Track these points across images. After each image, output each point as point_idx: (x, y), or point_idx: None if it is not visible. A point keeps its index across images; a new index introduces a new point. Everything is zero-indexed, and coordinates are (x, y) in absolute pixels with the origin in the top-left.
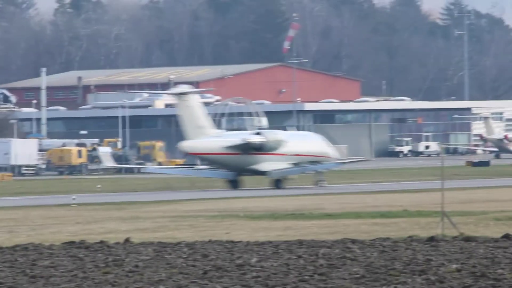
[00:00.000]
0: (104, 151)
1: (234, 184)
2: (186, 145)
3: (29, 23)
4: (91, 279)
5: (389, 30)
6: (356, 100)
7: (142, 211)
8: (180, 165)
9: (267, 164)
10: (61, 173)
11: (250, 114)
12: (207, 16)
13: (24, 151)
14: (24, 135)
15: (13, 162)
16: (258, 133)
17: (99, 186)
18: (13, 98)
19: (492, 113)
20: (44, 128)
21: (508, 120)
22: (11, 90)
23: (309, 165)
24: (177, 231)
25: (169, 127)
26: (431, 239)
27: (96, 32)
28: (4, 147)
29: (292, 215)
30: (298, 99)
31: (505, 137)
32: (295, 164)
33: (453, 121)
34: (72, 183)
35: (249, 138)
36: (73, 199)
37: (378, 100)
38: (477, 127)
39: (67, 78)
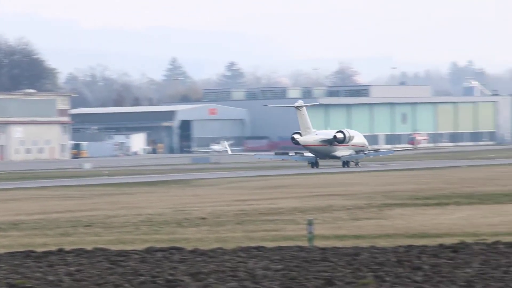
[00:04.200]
0: None
1: (314, 165)
2: (299, 139)
3: None
4: None
5: None
6: None
7: None
8: (277, 152)
9: (340, 152)
10: None
11: None
12: None
13: None
14: None
15: None
16: (340, 131)
17: None
18: None
19: None
20: None
21: None
22: None
23: (370, 152)
24: None
25: None
26: None
27: None
28: None
29: None
30: None
31: None
32: (357, 152)
33: None
34: None
35: (336, 134)
36: None
37: None
38: None
39: None
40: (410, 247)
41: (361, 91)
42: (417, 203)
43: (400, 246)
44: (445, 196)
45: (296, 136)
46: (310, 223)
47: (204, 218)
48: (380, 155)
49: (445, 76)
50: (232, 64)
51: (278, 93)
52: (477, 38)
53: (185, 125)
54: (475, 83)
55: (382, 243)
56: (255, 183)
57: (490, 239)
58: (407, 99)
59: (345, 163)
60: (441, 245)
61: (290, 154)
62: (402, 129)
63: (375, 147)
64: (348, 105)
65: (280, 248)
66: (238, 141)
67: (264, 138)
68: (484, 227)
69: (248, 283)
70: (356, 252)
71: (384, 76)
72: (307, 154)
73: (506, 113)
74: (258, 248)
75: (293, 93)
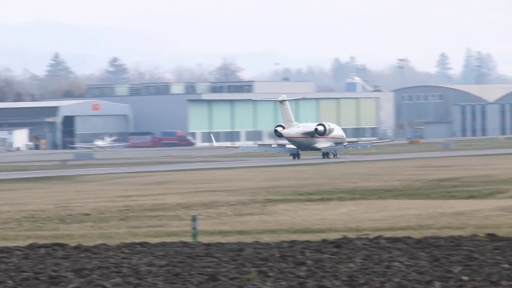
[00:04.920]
0: None
1: (295, 156)
2: (283, 131)
3: None
4: None
5: None
6: None
7: None
8: (260, 144)
9: (321, 143)
10: None
11: None
12: None
13: None
14: None
15: None
16: (321, 124)
17: None
18: None
19: None
20: None
21: None
22: None
23: (349, 144)
24: None
25: None
26: None
27: None
28: None
29: None
30: None
31: None
32: (336, 144)
33: None
34: None
35: (317, 127)
36: None
37: None
38: None
39: None
40: (293, 243)
41: (245, 87)
42: (300, 198)
43: (283, 241)
44: (328, 191)
45: (279, 129)
46: (194, 218)
47: (87, 214)
48: (359, 147)
49: (327, 72)
50: (115, 59)
51: (162, 88)
52: (359, 34)
53: (68, 121)
54: (357, 79)
55: (266, 238)
56: (139, 179)
57: (372, 234)
58: (290, 95)
59: (325, 154)
60: (324, 240)
61: (272, 146)
62: None
63: (352, 139)
64: (231, 101)
65: (164, 244)
66: (121, 137)
67: (148, 134)
68: (367, 222)
69: (132, 279)
70: (240, 247)
71: (267, 72)
72: (289, 146)
73: (388, 109)
74: (142, 244)
75: (176, 88)
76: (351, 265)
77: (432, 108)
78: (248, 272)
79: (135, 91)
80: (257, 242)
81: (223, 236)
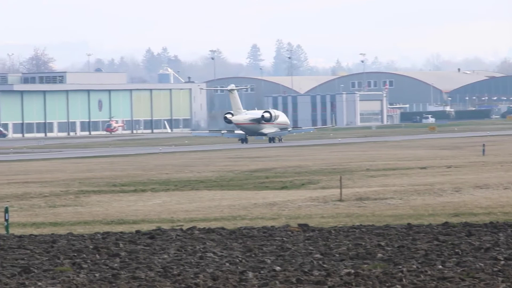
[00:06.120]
0: None
1: (244, 141)
2: (232, 118)
3: None
4: None
5: None
6: None
7: None
8: (211, 130)
9: (267, 129)
10: None
11: None
12: None
13: None
14: None
15: None
16: (267, 111)
17: None
18: None
19: None
20: None
21: None
22: None
23: (293, 129)
24: None
25: None
26: None
27: None
28: None
29: None
30: None
31: None
32: (281, 129)
33: None
34: None
35: (264, 114)
36: None
37: None
38: None
39: None
40: (107, 234)
41: (57, 77)
42: (114, 189)
43: (97, 233)
44: (141, 182)
45: (228, 116)
46: (6, 210)
47: None
48: (302, 132)
49: (140, 63)
50: None
51: None
52: (171, 25)
53: None
54: (170, 71)
55: (79, 230)
56: None
57: (186, 225)
58: (103, 86)
59: (271, 139)
60: (138, 232)
61: (222, 132)
62: (99, 116)
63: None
64: (44, 92)
65: None
66: None
67: None
68: (180, 213)
69: None
70: (53, 239)
71: (79, 62)
72: (238, 131)
73: (201, 100)
74: None
75: None
76: (165, 256)
77: (244, 100)
78: (62, 264)
79: None
80: (70, 234)
81: (36, 228)
